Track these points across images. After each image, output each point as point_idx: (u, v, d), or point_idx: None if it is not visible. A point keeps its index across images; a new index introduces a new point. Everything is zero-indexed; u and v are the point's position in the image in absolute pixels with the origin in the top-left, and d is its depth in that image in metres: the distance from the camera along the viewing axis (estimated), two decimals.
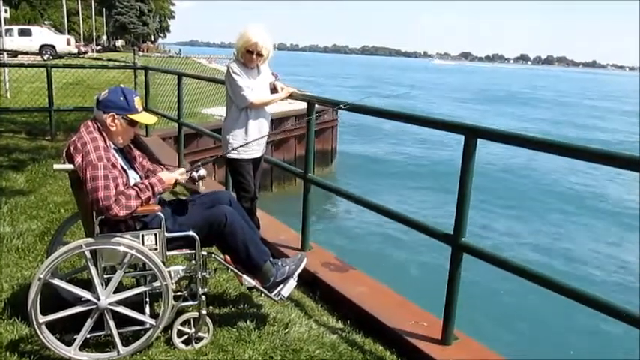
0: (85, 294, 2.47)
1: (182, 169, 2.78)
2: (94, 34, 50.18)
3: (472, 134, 2.62)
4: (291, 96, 3.89)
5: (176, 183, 2.69)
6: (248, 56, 3.59)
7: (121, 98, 2.55)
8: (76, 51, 29.62)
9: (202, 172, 2.84)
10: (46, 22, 40.72)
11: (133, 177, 2.62)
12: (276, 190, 12.58)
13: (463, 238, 2.69)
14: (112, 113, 2.53)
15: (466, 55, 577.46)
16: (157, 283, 2.55)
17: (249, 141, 3.65)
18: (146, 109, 2.74)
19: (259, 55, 3.60)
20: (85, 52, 33.61)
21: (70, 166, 2.44)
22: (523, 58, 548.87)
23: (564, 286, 2.30)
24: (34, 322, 2.41)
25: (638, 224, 10.68)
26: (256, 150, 3.81)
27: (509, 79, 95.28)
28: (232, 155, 3.74)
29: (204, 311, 2.69)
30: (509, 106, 39.62)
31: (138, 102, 2.61)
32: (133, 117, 2.59)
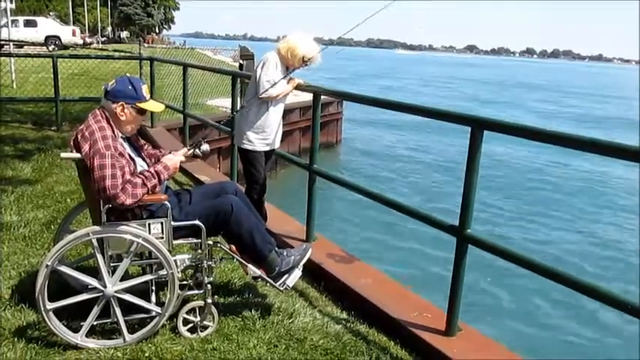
0: (92, 281, 2.49)
1: (184, 149, 2.80)
2: (99, 25, 50.08)
3: (479, 126, 2.62)
4: (297, 87, 3.91)
5: (181, 164, 2.71)
6: (299, 62, 3.77)
7: (130, 87, 2.56)
8: (81, 42, 29.58)
9: (205, 147, 2.84)
10: (51, 13, 40.66)
11: (141, 165, 2.63)
12: (282, 170, 12.56)
13: (469, 230, 2.69)
14: (121, 102, 2.54)
15: (471, 48, 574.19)
16: (162, 272, 2.56)
17: (269, 133, 3.80)
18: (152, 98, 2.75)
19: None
20: (90, 44, 33.58)
21: (77, 155, 2.45)
22: (529, 52, 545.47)
23: (571, 279, 2.30)
24: (42, 309, 2.43)
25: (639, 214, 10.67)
26: (272, 143, 3.89)
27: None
28: (247, 146, 3.80)
29: (209, 300, 2.70)
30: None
31: (145, 90, 2.62)
32: (142, 105, 2.60)
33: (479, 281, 7.27)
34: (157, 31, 70.53)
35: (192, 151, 2.83)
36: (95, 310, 2.49)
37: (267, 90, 3.66)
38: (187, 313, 2.70)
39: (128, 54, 10.17)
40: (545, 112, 33.34)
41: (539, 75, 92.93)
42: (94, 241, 2.44)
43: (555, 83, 67.13)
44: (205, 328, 2.73)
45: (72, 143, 2.50)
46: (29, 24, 27.96)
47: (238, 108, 5.14)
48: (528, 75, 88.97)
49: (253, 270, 2.79)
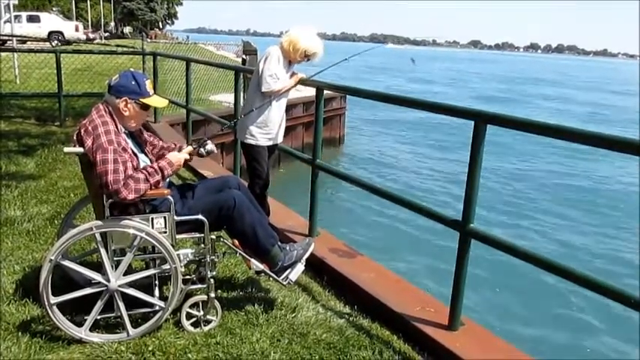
0: (96, 276, 2.50)
1: (189, 147, 2.79)
2: (102, 20, 50.05)
3: (482, 120, 2.61)
4: (300, 82, 3.90)
5: (186, 162, 2.70)
6: (300, 56, 3.74)
7: (133, 82, 2.55)
8: (84, 37, 29.58)
9: (209, 146, 2.84)
10: (54, 9, 40.68)
11: (144, 160, 2.63)
12: (284, 169, 12.55)
13: (471, 224, 2.68)
14: (124, 98, 2.53)
15: (475, 44, 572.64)
16: (166, 266, 2.57)
17: (272, 128, 3.79)
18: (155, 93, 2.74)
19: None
20: (93, 39, 33.57)
21: (80, 149, 2.45)
22: (533, 47, 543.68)
23: (574, 273, 2.29)
24: (46, 303, 2.44)
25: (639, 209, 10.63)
26: (275, 138, 3.89)
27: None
28: (250, 141, 3.81)
29: (212, 295, 2.71)
30: None
31: (149, 85, 2.61)
32: (146, 101, 2.59)
33: (482, 276, 7.26)
34: (160, 26, 70.50)
35: (196, 149, 2.83)
36: (99, 305, 2.50)
37: (269, 84, 3.65)
38: (191, 307, 2.70)
39: (131, 49, 10.17)
40: None
41: (578, 72, 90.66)
42: (98, 236, 2.45)
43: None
44: (208, 322, 2.73)
45: (75, 138, 2.50)
46: (32, 19, 27.97)
47: (241, 104, 5.14)
48: (559, 72, 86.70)
49: (256, 264, 2.79)
